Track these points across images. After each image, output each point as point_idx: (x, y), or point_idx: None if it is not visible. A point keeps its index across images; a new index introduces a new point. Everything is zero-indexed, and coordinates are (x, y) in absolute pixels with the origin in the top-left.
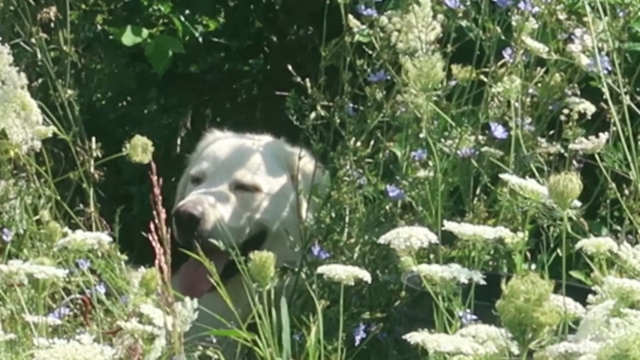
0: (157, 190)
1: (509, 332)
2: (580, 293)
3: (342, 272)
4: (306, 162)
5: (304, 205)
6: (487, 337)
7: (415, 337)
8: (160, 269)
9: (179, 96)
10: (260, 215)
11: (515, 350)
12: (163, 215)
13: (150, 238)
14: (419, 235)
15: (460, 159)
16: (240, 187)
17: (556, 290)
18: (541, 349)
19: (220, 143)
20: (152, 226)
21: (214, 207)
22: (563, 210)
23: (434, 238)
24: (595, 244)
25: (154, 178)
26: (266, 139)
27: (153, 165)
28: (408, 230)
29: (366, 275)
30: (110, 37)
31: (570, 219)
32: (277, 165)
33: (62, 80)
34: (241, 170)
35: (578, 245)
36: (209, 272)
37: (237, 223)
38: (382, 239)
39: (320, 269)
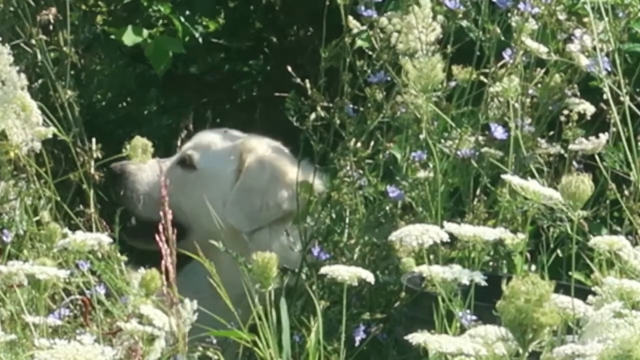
0: (164, 191)
1: (509, 333)
2: (580, 294)
3: (345, 272)
4: (261, 157)
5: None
6: (496, 338)
7: (417, 338)
8: (166, 269)
9: (178, 97)
10: (186, 200)
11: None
12: (170, 216)
13: (157, 239)
14: (431, 233)
15: (460, 160)
16: (181, 162)
17: (556, 292)
18: (541, 349)
19: None
20: (159, 227)
21: (140, 172)
22: (574, 212)
23: (445, 236)
24: (608, 242)
25: (163, 179)
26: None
27: (162, 166)
28: (420, 227)
29: (369, 276)
30: (112, 37)
31: (570, 220)
32: (229, 152)
33: (62, 81)
34: (189, 144)
35: (590, 243)
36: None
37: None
38: (393, 236)
39: (323, 270)
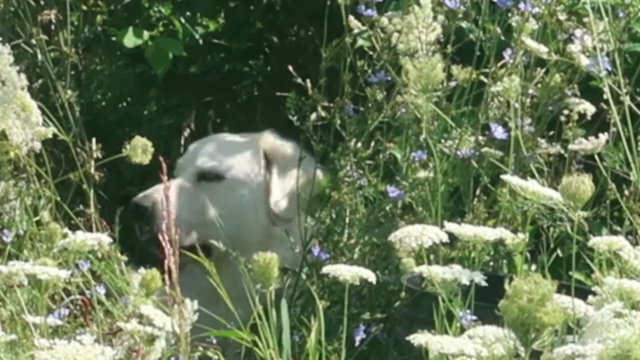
0: (167, 191)
1: (512, 333)
2: (580, 294)
3: (347, 272)
4: (284, 147)
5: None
6: (495, 338)
7: (418, 338)
8: (169, 269)
9: (179, 97)
10: (221, 210)
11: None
12: (173, 216)
13: (160, 238)
14: (430, 234)
15: (460, 160)
16: (202, 177)
17: (557, 292)
18: (542, 349)
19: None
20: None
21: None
22: (574, 212)
23: (444, 237)
24: (607, 242)
25: (164, 178)
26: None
27: (164, 165)
28: (419, 228)
29: (371, 276)
30: (113, 38)
31: (570, 220)
32: (249, 151)
33: (63, 82)
34: (202, 157)
35: (590, 243)
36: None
37: (197, 217)
38: (392, 237)
39: (325, 269)
